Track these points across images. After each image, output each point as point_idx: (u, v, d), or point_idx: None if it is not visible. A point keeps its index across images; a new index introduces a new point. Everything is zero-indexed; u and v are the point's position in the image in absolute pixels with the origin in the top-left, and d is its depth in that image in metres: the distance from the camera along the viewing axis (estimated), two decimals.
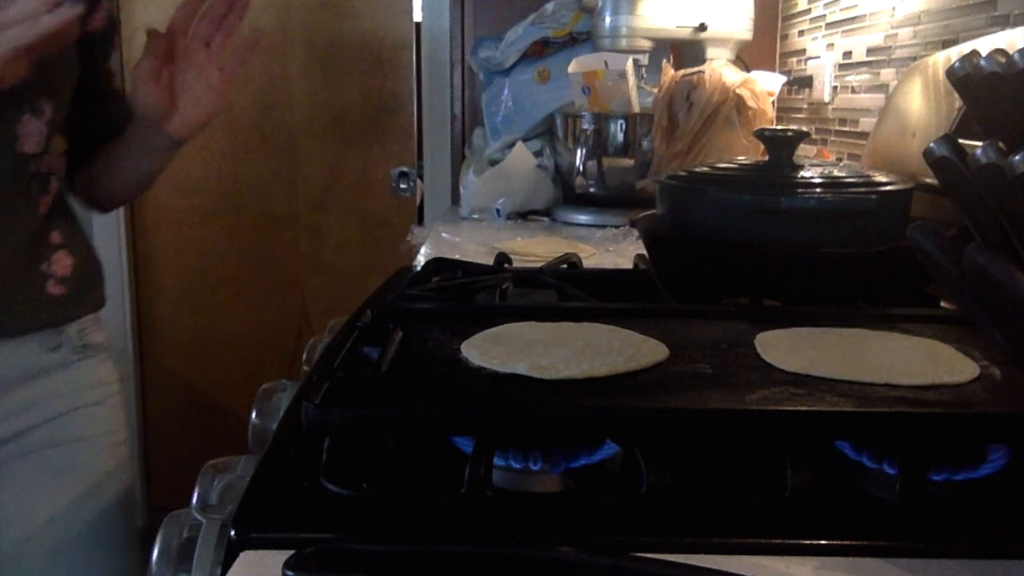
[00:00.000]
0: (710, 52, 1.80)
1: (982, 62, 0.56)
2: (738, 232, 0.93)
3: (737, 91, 1.59)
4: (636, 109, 1.80)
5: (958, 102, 0.96)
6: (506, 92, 2.07)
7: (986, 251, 0.52)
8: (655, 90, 1.72)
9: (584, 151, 1.79)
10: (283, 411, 0.69)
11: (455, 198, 2.27)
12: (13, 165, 0.95)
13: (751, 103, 1.59)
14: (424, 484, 0.58)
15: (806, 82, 1.83)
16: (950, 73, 0.59)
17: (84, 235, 1.08)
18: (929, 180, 0.88)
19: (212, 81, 0.95)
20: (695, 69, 1.65)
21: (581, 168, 1.79)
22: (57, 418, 1.03)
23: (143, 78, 0.93)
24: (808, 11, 1.90)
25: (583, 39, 2.04)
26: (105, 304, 1.10)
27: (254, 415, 0.79)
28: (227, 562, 0.48)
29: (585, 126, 1.80)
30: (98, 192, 1.12)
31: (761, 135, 1.01)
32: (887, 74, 1.47)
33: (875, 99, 1.51)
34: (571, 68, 1.87)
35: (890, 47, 1.46)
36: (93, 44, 1.03)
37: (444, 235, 1.62)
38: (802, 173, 0.96)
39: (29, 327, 0.99)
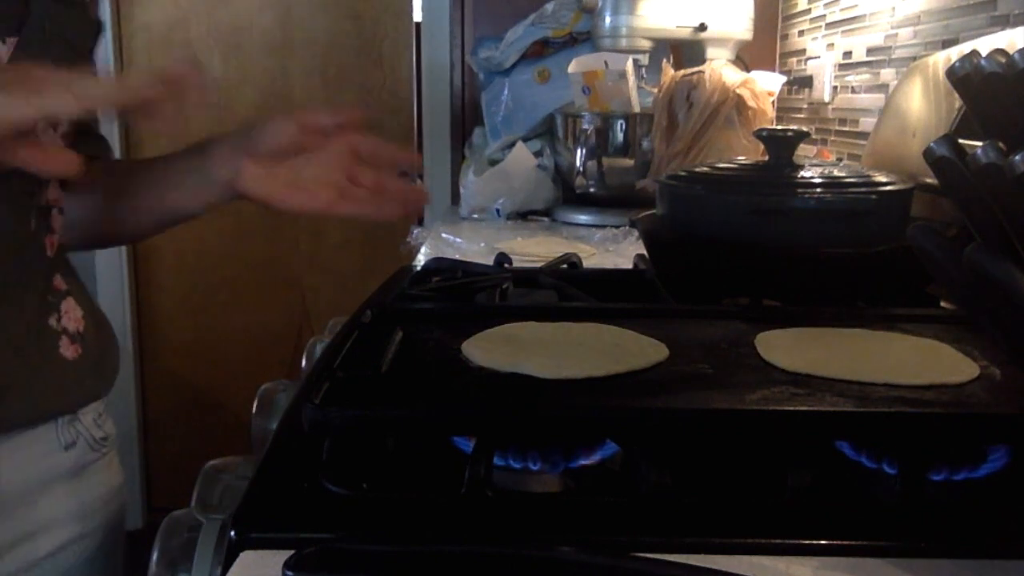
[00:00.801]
0: (710, 52, 1.80)
1: (982, 62, 0.56)
2: (738, 232, 0.93)
3: (737, 91, 1.59)
4: (636, 109, 1.80)
5: (958, 102, 0.95)
6: (506, 92, 2.07)
7: (986, 251, 0.52)
8: (655, 90, 1.72)
9: (584, 151, 1.79)
10: (283, 411, 0.69)
11: (455, 198, 2.28)
12: (20, 191, 0.74)
13: (751, 103, 1.59)
14: (424, 484, 0.58)
15: (806, 82, 1.83)
16: (950, 73, 0.59)
17: (81, 281, 0.87)
18: (929, 180, 0.87)
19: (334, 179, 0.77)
20: (695, 69, 1.65)
21: (581, 168, 1.79)
22: (54, 554, 0.78)
23: (257, 167, 0.76)
24: (808, 11, 1.90)
25: (583, 39, 2.04)
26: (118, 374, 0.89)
27: (254, 415, 0.79)
28: (227, 562, 0.48)
29: (585, 126, 1.80)
30: (114, 229, 0.90)
31: (761, 135, 1.01)
32: (887, 74, 1.47)
33: (875, 99, 1.51)
34: (571, 68, 1.87)
35: (890, 47, 1.46)
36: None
37: (444, 235, 1.62)
38: (802, 173, 0.95)
39: (44, 411, 0.77)
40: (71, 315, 0.80)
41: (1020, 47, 0.53)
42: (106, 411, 0.85)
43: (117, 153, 2.14)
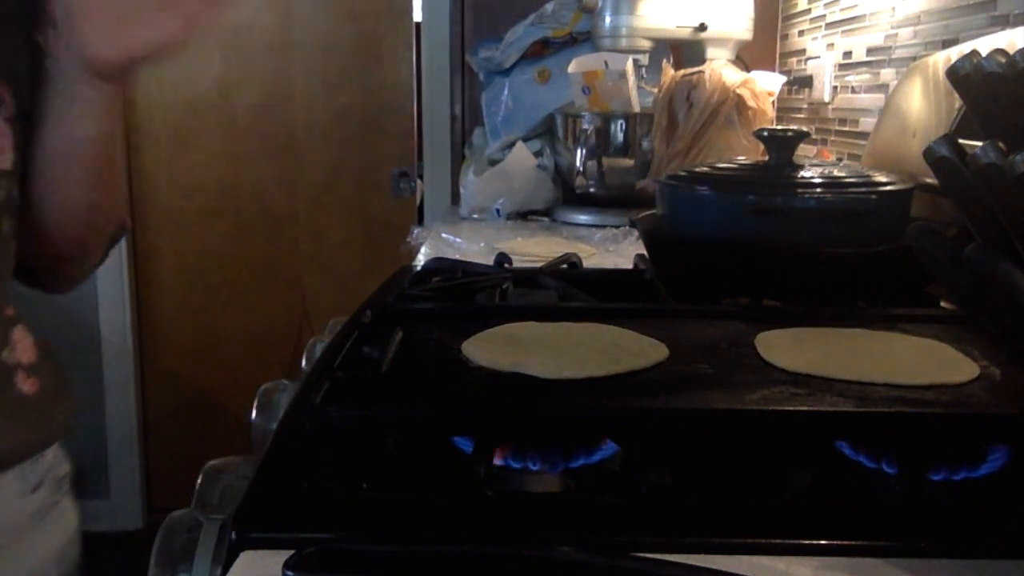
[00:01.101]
0: (710, 52, 1.80)
1: (982, 62, 0.56)
2: (738, 232, 0.93)
3: (737, 91, 1.59)
4: (636, 109, 1.80)
5: (958, 102, 0.96)
6: (506, 92, 2.07)
7: (986, 251, 0.52)
8: (655, 90, 1.72)
9: (584, 151, 1.79)
10: (283, 411, 0.69)
11: (455, 198, 2.28)
12: None
13: (751, 103, 1.59)
14: (424, 484, 0.58)
15: (806, 82, 1.83)
16: (950, 73, 0.59)
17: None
18: (929, 180, 0.87)
19: None
20: (695, 69, 1.65)
21: (581, 168, 1.79)
22: None
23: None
24: (808, 11, 1.90)
25: (583, 39, 2.04)
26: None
27: (254, 415, 0.79)
28: (227, 562, 0.48)
29: (585, 126, 1.80)
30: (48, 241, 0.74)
31: (761, 135, 1.01)
32: (887, 74, 1.47)
33: (875, 99, 1.51)
34: (571, 68, 1.87)
35: (890, 47, 1.46)
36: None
37: (444, 235, 1.62)
38: (802, 173, 0.96)
39: (12, 456, 0.69)
40: (23, 345, 0.70)
41: (1020, 47, 0.53)
42: (62, 452, 0.77)
43: None
